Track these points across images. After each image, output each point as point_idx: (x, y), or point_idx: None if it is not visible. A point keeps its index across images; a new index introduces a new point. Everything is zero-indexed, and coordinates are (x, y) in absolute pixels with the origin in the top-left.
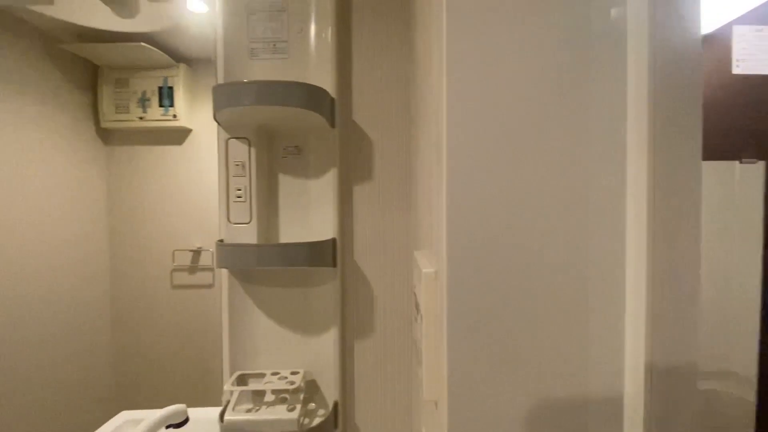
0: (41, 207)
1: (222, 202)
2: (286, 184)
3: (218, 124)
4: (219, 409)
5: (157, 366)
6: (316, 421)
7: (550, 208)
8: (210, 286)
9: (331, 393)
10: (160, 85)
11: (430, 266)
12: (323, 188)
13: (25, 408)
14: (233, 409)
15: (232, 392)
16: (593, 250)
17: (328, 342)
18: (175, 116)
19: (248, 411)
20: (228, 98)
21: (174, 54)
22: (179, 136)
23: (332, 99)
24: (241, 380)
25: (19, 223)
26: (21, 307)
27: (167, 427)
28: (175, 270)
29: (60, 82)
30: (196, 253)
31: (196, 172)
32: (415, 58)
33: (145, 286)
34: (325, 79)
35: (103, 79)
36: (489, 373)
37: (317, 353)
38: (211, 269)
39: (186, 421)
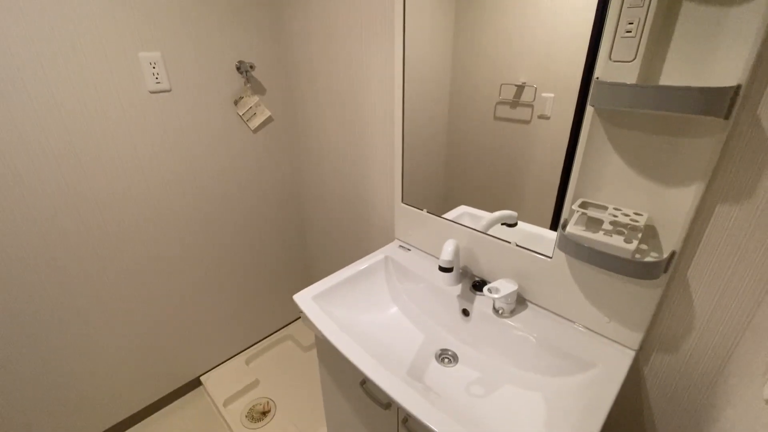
0: (422, 42)
1: (607, 37)
2: (691, 14)
3: None
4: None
5: (475, 179)
6: (648, 259)
7: None
8: (527, 122)
9: (669, 243)
10: None
11: None
12: (743, 18)
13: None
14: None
15: (573, 212)
16: None
17: (683, 196)
18: None
19: (584, 231)
20: None
21: None
22: None
23: None
24: (583, 206)
25: (414, 54)
26: (412, 118)
27: (502, 224)
28: (498, 103)
29: None
30: (520, 88)
31: (533, 6)
32: None
33: (473, 114)
34: None
35: None
36: None
37: (665, 203)
38: (530, 105)
39: (516, 224)
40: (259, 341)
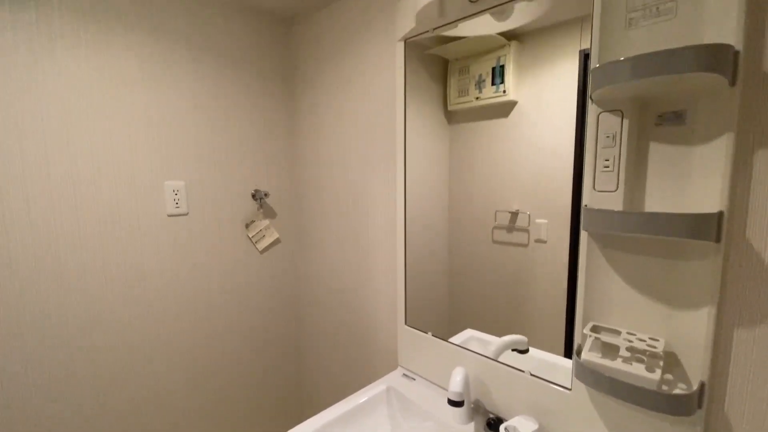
0: (420, 175)
1: (588, 171)
2: (659, 152)
3: (591, 101)
4: (546, 354)
5: (479, 301)
6: (677, 391)
7: None
8: (525, 245)
9: (695, 372)
10: (494, 65)
11: None
12: (709, 156)
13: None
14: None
15: (586, 337)
16: None
17: (696, 319)
18: (504, 92)
19: (601, 359)
20: (606, 77)
21: (506, 33)
22: (506, 109)
23: (736, 53)
24: (595, 330)
25: (414, 186)
26: (414, 241)
27: (513, 350)
28: (495, 228)
29: (426, 78)
30: (514, 214)
31: (518, 141)
32: None
33: (472, 238)
34: (726, 30)
35: (451, 71)
36: None
37: (679, 327)
38: (526, 230)
39: (527, 350)
40: None
